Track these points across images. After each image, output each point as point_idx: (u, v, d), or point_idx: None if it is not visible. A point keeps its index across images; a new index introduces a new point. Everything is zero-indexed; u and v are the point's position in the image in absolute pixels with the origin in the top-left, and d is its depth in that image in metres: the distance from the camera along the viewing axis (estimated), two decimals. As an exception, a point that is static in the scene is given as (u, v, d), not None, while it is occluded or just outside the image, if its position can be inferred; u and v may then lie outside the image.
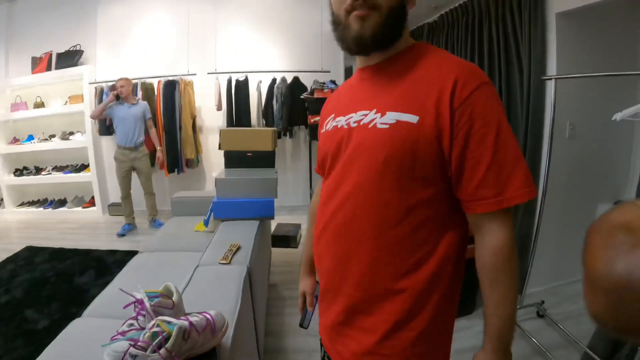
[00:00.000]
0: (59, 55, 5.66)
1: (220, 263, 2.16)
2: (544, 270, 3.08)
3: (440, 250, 0.93)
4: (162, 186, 6.02)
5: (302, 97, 5.19)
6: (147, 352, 1.02)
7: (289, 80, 5.44)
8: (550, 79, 2.50)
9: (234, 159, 3.35)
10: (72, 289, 3.49)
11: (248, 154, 3.33)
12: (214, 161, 6.02)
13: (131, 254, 4.08)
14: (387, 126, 0.89)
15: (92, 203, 5.96)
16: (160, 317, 1.11)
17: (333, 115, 1.07)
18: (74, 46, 5.65)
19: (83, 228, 5.38)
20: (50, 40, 5.71)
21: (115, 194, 6.01)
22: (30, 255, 4.28)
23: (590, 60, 2.87)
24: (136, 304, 1.20)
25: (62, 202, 6.07)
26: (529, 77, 2.92)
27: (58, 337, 1.67)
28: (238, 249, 2.34)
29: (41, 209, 5.97)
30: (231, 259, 2.19)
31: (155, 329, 1.07)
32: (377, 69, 0.99)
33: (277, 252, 3.90)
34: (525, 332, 2.58)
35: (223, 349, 1.31)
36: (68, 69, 5.58)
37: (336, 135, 1.02)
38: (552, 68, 2.82)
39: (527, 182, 0.84)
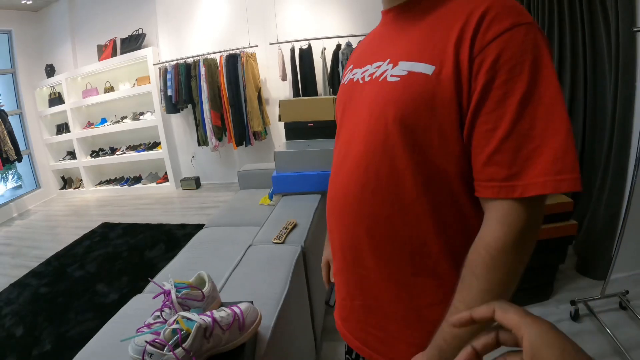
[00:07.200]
0: (123, 41, 5.83)
1: (273, 242, 2.03)
2: (630, 255, 2.61)
3: (473, 227, 0.69)
4: (231, 160, 6.07)
5: (368, 62, 4.90)
6: (164, 351, 0.91)
7: (354, 45, 5.18)
8: (643, 30, 2.07)
9: (295, 131, 3.18)
10: (142, 262, 3.57)
11: (309, 125, 3.15)
12: (282, 132, 5.89)
13: (200, 227, 4.11)
14: (397, 79, 0.70)
15: (165, 179, 6.14)
16: (181, 313, 0.98)
17: (352, 66, 0.89)
18: (136, 30, 5.76)
19: (157, 203, 5.55)
20: (112, 27, 5.89)
21: (187, 169, 6.14)
22: (106, 231, 4.45)
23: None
24: (164, 294, 1.10)
25: (137, 179, 6.32)
26: (617, 28, 2.46)
27: (118, 313, 1.66)
28: (294, 226, 2.20)
29: (118, 186, 6.28)
30: (285, 238, 2.06)
31: (174, 326, 0.95)
32: (399, 11, 0.79)
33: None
34: (604, 326, 2.18)
35: (261, 339, 1.19)
36: (132, 52, 5.72)
37: (350, 90, 0.85)
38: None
39: (557, 167, 0.58)
